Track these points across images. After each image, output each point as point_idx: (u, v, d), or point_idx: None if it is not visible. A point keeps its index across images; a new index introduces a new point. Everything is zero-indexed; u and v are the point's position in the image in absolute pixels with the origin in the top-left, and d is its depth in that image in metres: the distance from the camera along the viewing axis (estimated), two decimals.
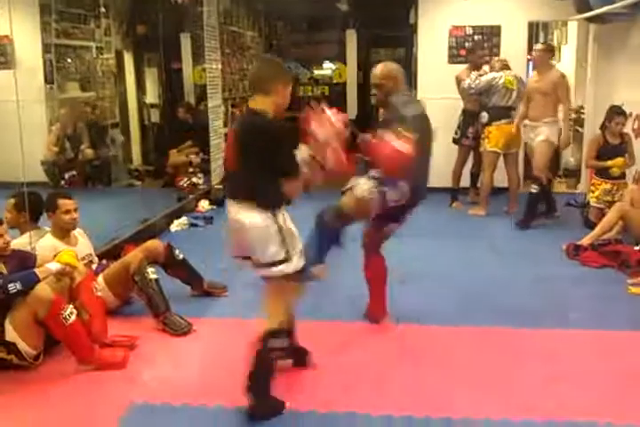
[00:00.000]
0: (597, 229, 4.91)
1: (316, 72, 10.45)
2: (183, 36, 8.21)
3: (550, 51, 5.84)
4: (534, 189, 5.67)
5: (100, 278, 3.65)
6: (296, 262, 2.66)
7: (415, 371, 3.07)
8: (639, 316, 3.75)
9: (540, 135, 5.72)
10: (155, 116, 8.32)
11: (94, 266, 3.80)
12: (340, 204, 3.32)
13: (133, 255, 3.69)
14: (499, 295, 4.03)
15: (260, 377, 2.66)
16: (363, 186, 3.24)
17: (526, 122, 5.92)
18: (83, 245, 3.76)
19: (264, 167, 2.56)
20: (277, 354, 2.64)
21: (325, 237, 3.32)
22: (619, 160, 5.42)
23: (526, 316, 3.72)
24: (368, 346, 3.35)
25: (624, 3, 5.12)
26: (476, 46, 7.07)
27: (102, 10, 6.91)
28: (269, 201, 2.61)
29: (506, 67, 6.28)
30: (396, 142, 3.02)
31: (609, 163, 5.45)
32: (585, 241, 4.85)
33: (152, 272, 3.60)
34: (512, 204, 6.26)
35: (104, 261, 3.96)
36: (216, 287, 4.00)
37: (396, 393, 2.86)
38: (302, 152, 2.63)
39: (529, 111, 5.85)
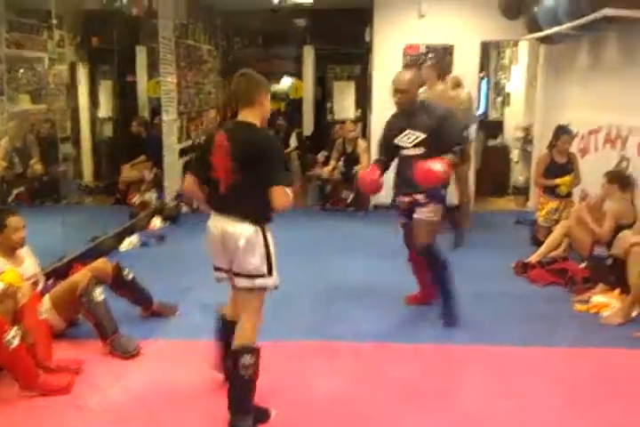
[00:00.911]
0: (543, 248, 5.03)
1: (273, 87, 10.47)
2: (138, 48, 8.13)
3: (436, 68, 5.89)
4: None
5: (47, 299, 3.56)
6: (275, 279, 2.72)
7: (362, 391, 3.08)
8: (585, 333, 3.83)
9: None
10: (108, 130, 8.19)
11: (41, 286, 3.71)
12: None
13: (81, 275, 3.61)
14: None
15: (237, 395, 2.67)
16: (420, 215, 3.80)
17: None
18: (29, 264, 3.67)
19: (260, 180, 2.61)
20: (251, 371, 2.63)
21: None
22: (566, 179, 5.55)
23: (474, 333, 3.78)
24: (326, 367, 3.33)
25: (571, 24, 5.28)
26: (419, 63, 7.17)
27: (55, 21, 6.79)
28: (260, 216, 2.68)
29: (458, 85, 6.40)
30: (436, 165, 3.55)
31: (557, 181, 5.58)
32: (532, 259, 4.96)
33: (100, 293, 3.53)
34: (465, 220, 6.36)
35: (51, 281, 3.88)
36: (166, 308, 3.95)
37: (351, 415, 2.86)
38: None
39: None
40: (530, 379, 3.23)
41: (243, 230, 2.63)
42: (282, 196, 2.60)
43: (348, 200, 7.33)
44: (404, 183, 3.86)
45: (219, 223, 2.71)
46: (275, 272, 2.70)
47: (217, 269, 2.81)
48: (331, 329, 3.76)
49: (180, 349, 3.54)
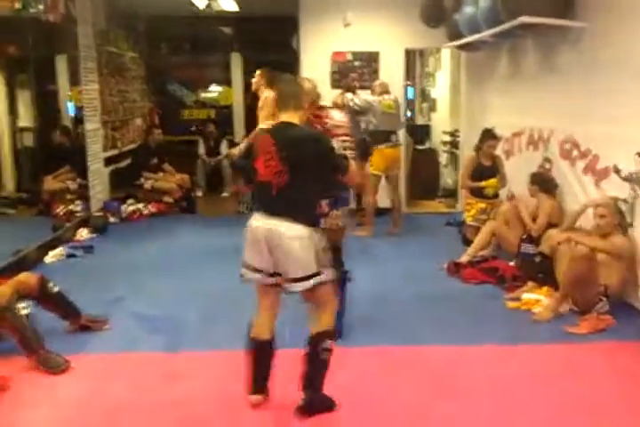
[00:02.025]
0: (472, 247, 5.14)
1: (202, 95, 10.36)
2: (59, 57, 7.88)
3: (264, 76, 5.87)
4: None
5: None
6: (329, 273, 2.80)
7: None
8: (517, 329, 3.91)
9: None
10: (29, 140, 7.90)
11: None
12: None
13: (2, 290, 3.44)
14: (381, 314, 4.10)
15: (316, 375, 2.79)
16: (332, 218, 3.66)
17: None
18: None
19: (317, 176, 2.71)
20: (329, 353, 2.79)
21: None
22: (492, 181, 5.70)
23: (408, 334, 3.78)
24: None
25: (490, 31, 5.45)
26: (346, 70, 7.26)
27: None
28: (313, 217, 2.79)
29: (386, 91, 6.49)
30: None
31: (483, 183, 5.73)
32: (462, 259, 5.05)
33: (23, 307, 3.38)
34: (395, 224, 6.45)
35: None
36: (95, 321, 3.80)
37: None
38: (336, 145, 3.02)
39: None
40: (465, 377, 3.24)
41: (298, 233, 2.67)
42: (355, 176, 2.96)
43: None
44: None
45: (268, 225, 2.69)
46: (326, 270, 2.78)
47: (254, 269, 2.78)
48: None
49: (112, 362, 3.41)
